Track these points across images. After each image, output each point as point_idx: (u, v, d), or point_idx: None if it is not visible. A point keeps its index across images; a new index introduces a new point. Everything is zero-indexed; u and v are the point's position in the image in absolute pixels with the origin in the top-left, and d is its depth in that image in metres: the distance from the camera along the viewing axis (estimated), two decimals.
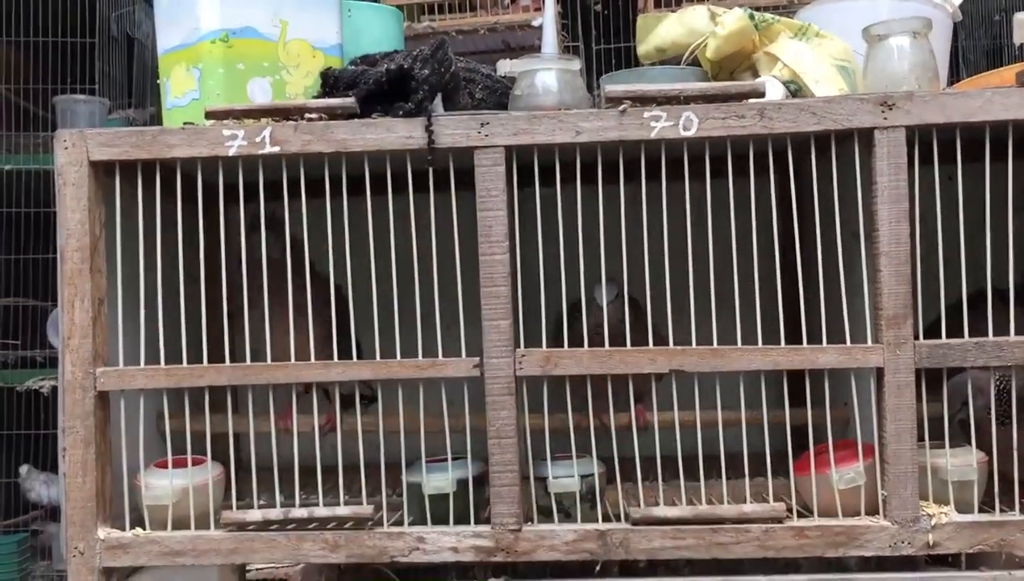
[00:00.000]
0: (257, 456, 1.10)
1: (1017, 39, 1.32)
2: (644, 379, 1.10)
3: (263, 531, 1.07)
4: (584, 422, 1.13)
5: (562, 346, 1.09)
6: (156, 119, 1.19)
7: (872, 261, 1.05)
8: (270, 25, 1.17)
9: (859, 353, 1.04)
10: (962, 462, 1.06)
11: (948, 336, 1.05)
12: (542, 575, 1.16)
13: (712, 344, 1.06)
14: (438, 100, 1.14)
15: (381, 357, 1.11)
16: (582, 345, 1.08)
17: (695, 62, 1.28)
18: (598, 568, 1.10)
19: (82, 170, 1.08)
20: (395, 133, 1.07)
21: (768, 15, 1.24)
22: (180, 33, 1.17)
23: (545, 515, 1.10)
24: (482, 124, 1.06)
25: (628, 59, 2.86)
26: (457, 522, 1.08)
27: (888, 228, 1.03)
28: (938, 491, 1.06)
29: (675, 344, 1.08)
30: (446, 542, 1.06)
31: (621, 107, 1.05)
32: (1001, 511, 1.06)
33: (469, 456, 1.13)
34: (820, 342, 1.08)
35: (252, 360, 1.18)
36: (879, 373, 1.04)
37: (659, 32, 1.29)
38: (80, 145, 1.08)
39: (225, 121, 1.09)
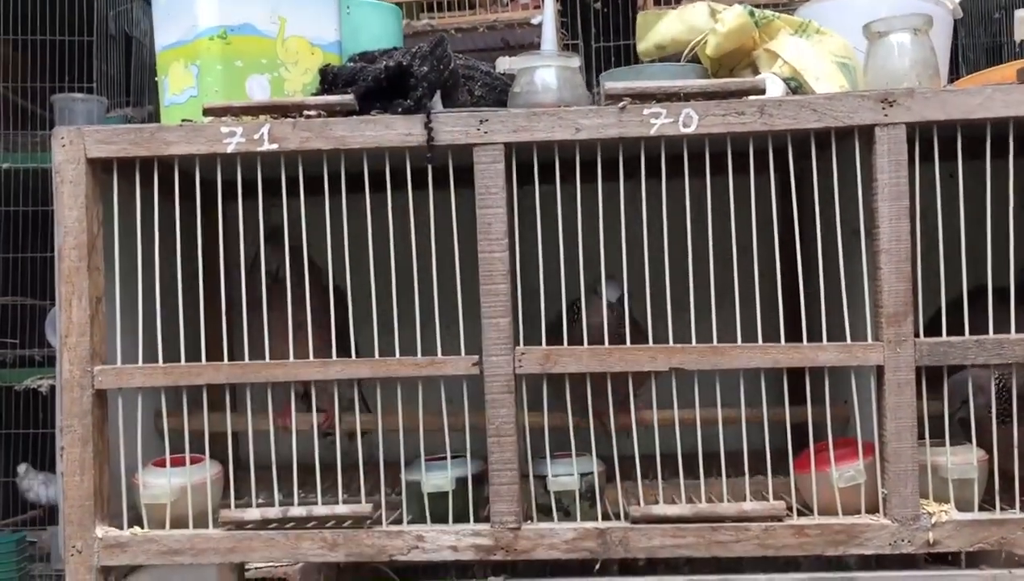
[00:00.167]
0: (255, 455, 1.10)
1: (1018, 36, 1.32)
2: (643, 377, 1.10)
3: (261, 530, 1.07)
4: (584, 421, 1.13)
5: (561, 343, 1.08)
6: (154, 117, 1.19)
7: (872, 258, 1.05)
8: (268, 22, 1.17)
9: (859, 351, 1.04)
10: (962, 460, 1.06)
11: (946, 332, 1.04)
12: (542, 574, 1.15)
13: (712, 342, 1.06)
14: (437, 97, 1.14)
15: (380, 355, 1.10)
16: (582, 344, 1.08)
17: (695, 59, 1.28)
18: (597, 566, 1.10)
19: (79, 167, 1.07)
20: (394, 130, 1.06)
21: (768, 12, 1.24)
22: (178, 30, 1.17)
23: (544, 513, 1.09)
24: (481, 121, 1.05)
25: (628, 57, 2.86)
26: (456, 521, 1.08)
27: (888, 225, 1.03)
28: (938, 489, 1.05)
29: (675, 342, 1.07)
30: (445, 541, 1.06)
31: (621, 104, 1.05)
32: (1002, 509, 1.05)
33: (468, 454, 1.13)
34: (820, 340, 1.07)
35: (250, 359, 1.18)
36: (879, 371, 1.04)
37: (659, 29, 1.29)
38: (77, 142, 1.08)
39: (223, 118, 1.08)
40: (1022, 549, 1.04)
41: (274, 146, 1.07)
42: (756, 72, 1.22)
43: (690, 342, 1.07)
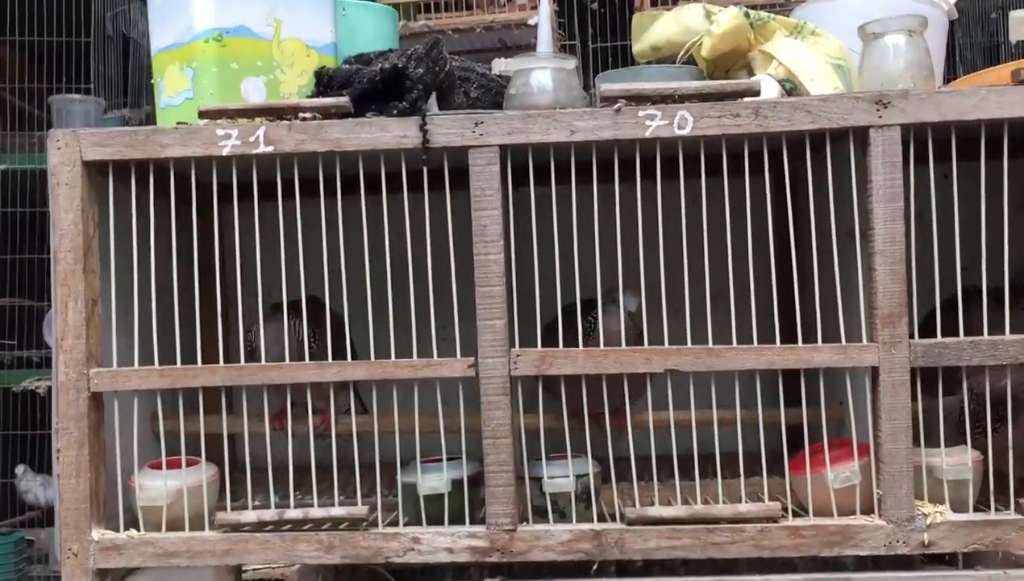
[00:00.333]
0: (252, 457, 1.10)
1: (1013, 36, 1.32)
2: (640, 388, 1.10)
3: (257, 532, 1.07)
4: (579, 423, 1.13)
5: (557, 345, 1.08)
6: (152, 118, 1.19)
7: (867, 260, 1.05)
8: (264, 24, 1.17)
9: (854, 352, 1.04)
10: (957, 461, 1.06)
11: (940, 333, 1.05)
12: (538, 575, 1.15)
13: (707, 343, 1.06)
14: (433, 99, 1.14)
15: (376, 357, 1.10)
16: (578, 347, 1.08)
17: (691, 60, 1.28)
18: (594, 568, 1.10)
19: (75, 170, 1.08)
20: (389, 132, 1.06)
21: (763, 13, 1.23)
22: (173, 32, 1.17)
23: (540, 515, 1.09)
24: (476, 123, 1.05)
25: (625, 57, 2.86)
26: (452, 522, 1.08)
27: (883, 227, 1.03)
28: (933, 490, 1.06)
29: (670, 343, 1.07)
30: (441, 543, 1.06)
31: (616, 106, 1.05)
32: (997, 510, 1.06)
33: (464, 456, 1.13)
34: (815, 341, 1.07)
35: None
36: (874, 372, 1.04)
37: (654, 30, 1.29)
38: (73, 145, 1.08)
39: (219, 121, 1.08)
40: (1017, 549, 1.04)
41: (269, 148, 1.07)
42: (751, 74, 1.22)
43: (685, 343, 1.07)
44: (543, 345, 1.11)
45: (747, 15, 1.22)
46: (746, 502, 1.07)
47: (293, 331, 1.16)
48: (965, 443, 1.08)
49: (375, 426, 1.10)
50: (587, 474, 1.11)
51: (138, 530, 1.09)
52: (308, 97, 1.17)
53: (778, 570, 1.09)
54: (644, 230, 1.07)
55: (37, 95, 3.10)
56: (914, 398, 1.04)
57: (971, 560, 1.10)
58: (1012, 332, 1.04)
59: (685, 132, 1.04)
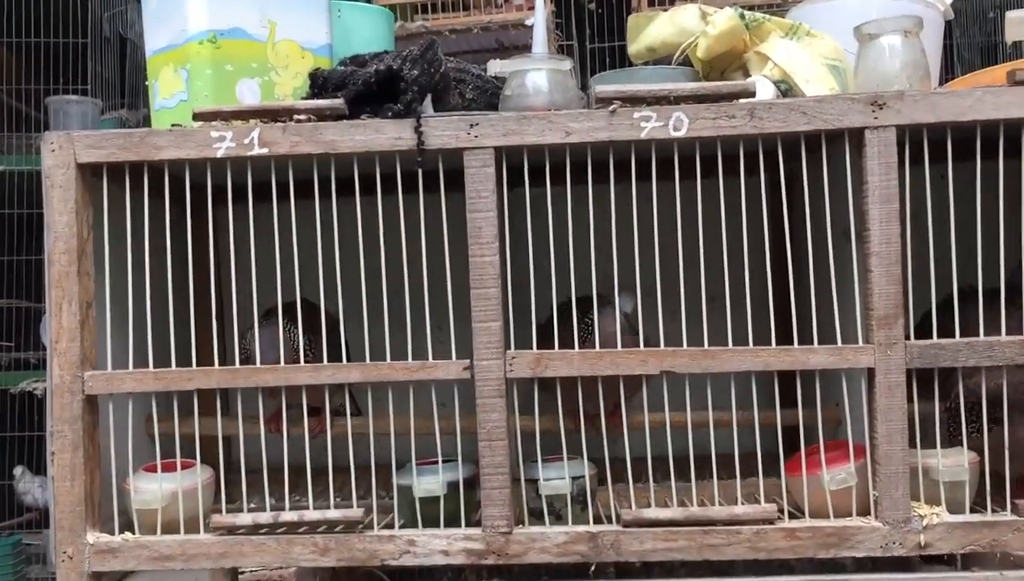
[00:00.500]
0: (247, 459, 1.10)
1: (1008, 37, 1.31)
2: (636, 386, 1.09)
3: (252, 535, 1.07)
4: (575, 424, 1.13)
5: (552, 346, 1.08)
6: (149, 120, 1.18)
7: (863, 261, 1.05)
8: (259, 26, 1.17)
9: (850, 353, 1.04)
10: (953, 462, 1.06)
11: (936, 334, 1.05)
12: (536, 577, 1.15)
13: (703, 345, 1.06)
14: (427, 101, 1.13)
15: (371, 359, 1.10)
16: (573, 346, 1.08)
17: (686, 61, 1.27)
18: (592, 569, 1.10)
19: (69, 172, 1.07)
20: (384, 134, 1.06)
21: (759, 14, 1.23)
22: (168, 34, 1.17)
23: (536, 517, 1.09)
24: (471, 125, 1.05)
25: (622, 58, 2.85)
26: (448, 525, 1.08)
27: (879, 228, 1.03)
28: (929, 491, 1.05)
29: (666, 345, 1.07)
30: (437, 545, 1.06)
31: (611, 107, 1.05)
32: (993, 511, 1.05)
33: (460, 458, 1.13)
34: (811, 342, 1.07)
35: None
36: (870, 373, 1.04)
37: (650, 32, 1.29)
38: (67, 147, 1.07)
39: (213, 123, 1.08)
40: (1014, 550, 1.04)
41: (264, 150, 1.06)
42: (747, 75, 1.22)
43: (681, 345, 1.07)
44: (539, 343, 1.11)
45: (742, 16, 1.21)
46: (742, 504, 1.07)
47: (288, 337, 1.15)
48: (961, 444, 1.08)
49: (371, 428, 1.10)
50: (583, 476, 1.11)
51: (133, 533, 1.09)
52: (303, 99, 1.17)
53: (775, 572, 1.09)
54: (640, 232, 1.07)
55: (34, 96, 3.09)
56: (910, 399, 1.04)
57: (969, 561, 1.10)
58: (1008, 333, 1.04)
59: (680, 133, 1.04)
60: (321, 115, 1.07)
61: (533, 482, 1.10)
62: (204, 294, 1.17)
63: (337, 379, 1.08)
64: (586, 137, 1.05)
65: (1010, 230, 1.04)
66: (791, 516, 1.08)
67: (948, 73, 2.81)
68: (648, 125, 1.04)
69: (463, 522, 1.09)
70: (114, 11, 3.13)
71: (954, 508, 1.05)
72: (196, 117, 1.08)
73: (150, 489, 1.09)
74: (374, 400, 1.11)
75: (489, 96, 1.25)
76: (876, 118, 1.03)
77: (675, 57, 1.27)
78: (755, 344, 1.07)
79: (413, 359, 1.08)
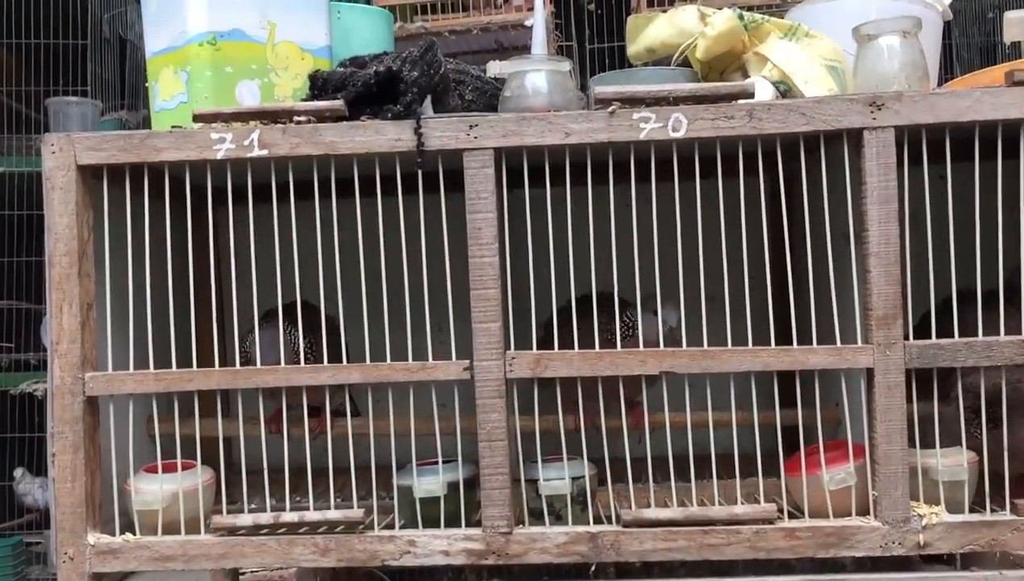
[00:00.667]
0: (247, 460, 1.10)
1: (1007, 37, 1.31)
2: (635, 385, 1.10)
3: (253, 535, 1.07)
4: (576, 424, 1.13)
5: (554, 346, 1.08)
6: (149, 121, 1.19)
7: (862, 261, 1.05)
8: (258, 27, 1.17)
9: (849, 354, 1.04)
10: (952, 462, 1.06)
11: (935, 335, 1.05)
12: (537, 577, 1.16)
13: (702, 345, 1.06)
14: (427, 102, 1.14)
15: (371, 360, 1.10)
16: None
17: (685, 62, 1.28)
18: (593, 569, 1.10)
19: (69, 174, 1.07)
20: (384, 135, 1.06)
21: (758, 15, 1.23)
22: (167, 36, 1.17)
23: (536, 517, 1.09)
24: (471, 126, 1.05)
25: (622, 58, 2.85)
26: (448, 525, 1.08)
27: (877, 228, 1.03)
28: (929, 491, 1.06)
29: (665, 345, 1.08)
30: (437, 545, 1.06)
31: (610, 108, 1.05)
32: (992, 511, 1.06)
33: (460, 459, 1.13)
34: (810, 343, 1.07)
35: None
36: (869, 373, 1.04)
37: (649, 32, 1.29)
38: (67, 149, 1.08)
39: (213, 124, 1.08)
40: (1013, 550, 1.04)
41: (264, 152, 1.07)
42: (746, 75, 1.22)
43: (680, 346, 1.07)
44: (559, 332, 1.10)
45: (741, 17, 1.22)
46: (742, 504, 1.07)
47: (289, 339, 1.15)
48: (960, 444, 1.08)
49: (371, 429, 1.10)
50: (583, 476, 1.11)
51: (134, 534, 1.09)
52: (303, 100, 1.17)
53: (775, 572, 1.09)
54: (639, 232, 1.07)
55: (34, 98, 3.10)
56: (909, 399, 1.04)
57: (968, 560, 1.10)
58: (1006, 333, 1.04)
59: (679, 134, 1.04)
60: (321, 116, 1.08)
61: (533, 482, 1.10)
62: (204, 295, 1.17)
63: (337, 380, 1.08)
64: (585, 138, 1.05)
65: (1009, 230, 1.04)
66: (791, 516, 1.08)
67: (947, 73, 2.81)
68: (647, 126, 1.04)
69: (463, 522, 1.09)
70: (114, 12, 3.14)
71: (953, 508, 1.05)
72: (196, 119, 1.09)
73: (151, 490, 1.09)
74: (374, 401, 1.11)
75: (488, 97, 1.26)
76: (875, 119, 1.03)
77: (674, 58, 1.27)
78: (754, 344, 1.07)
79: (413, 360, 1.08)
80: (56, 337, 1.07)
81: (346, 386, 1.14)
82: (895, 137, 1.03)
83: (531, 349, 1.08)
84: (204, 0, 1.15)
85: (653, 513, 1.05)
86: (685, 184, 1.06)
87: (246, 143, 1.07)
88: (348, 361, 1.27)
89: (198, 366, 1.10)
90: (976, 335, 1.04)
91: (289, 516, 1.07)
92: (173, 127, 1.12)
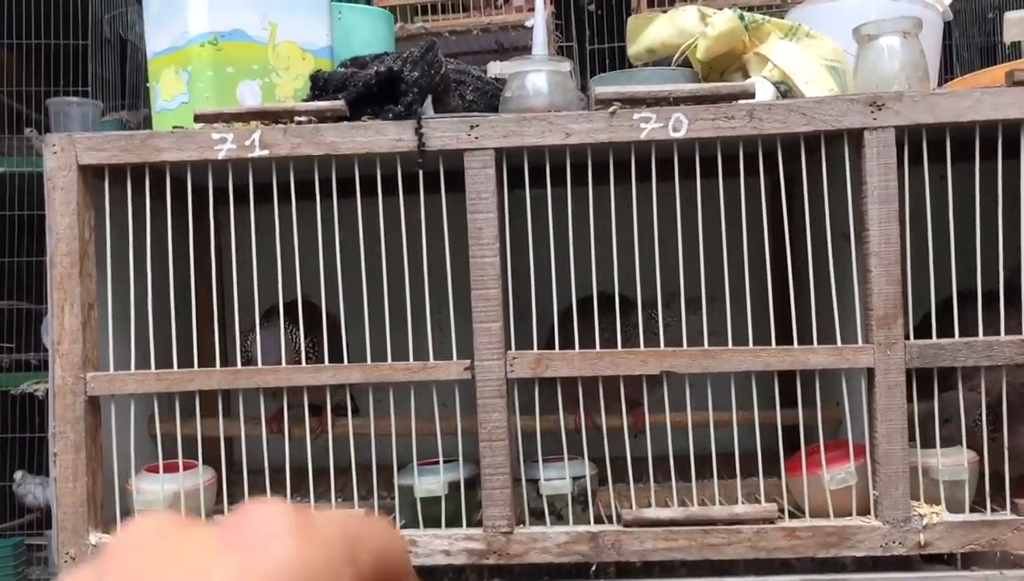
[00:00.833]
0: (249, 459, 1.10)
1: (1007, 37, 1.32)
2: (637, 386, 1.10)
3: None
4: (577, 424, 1.13)
5: (563, 344, 1.08)
6: (150, 121, 1.19)
7: (862, 261, 1.05)
8: (259, 28, 1.17)
9: (849, 353, 1.04)
10: (953, 462, 1.06)
11: (936, 335, 1.05)
12: (538, 576, 1.16)
13: (703, 345, 1.06)
14: (428, 102, 1.14)
15: (372, 360, 1.11)
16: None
17: (686, 63, 1.28)
18: (593, 569, 1.10)
19: (71, 174, 1.08)
20: (385, 136, 1.06)
21: (758, 16, 1.24)
22: (168, 36, 1.17)
23: (537, 517, 1.09)
24: (472, 126, 1.06)
25: (622, 59, 2.86)
26: (449, 525, 1.08)
27: (878, 228, 1.03)
28: (929, 491, 1.06)
29: (665, 345, 1.08)
30: (438, 545, 1.06)
31: (611, 109, 1.05)
32: (993, 511, 1.06)
33: (461, 459, 1.13)
34: (811, 342, 1.08)
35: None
36: (870, 373, 1.04)
37: (649, 33, 1.29)
38: (69, 149, 1.08)
39: (215, 124, 1.09)
40: (1014, 549, 1.04)
41: (265, 152, 1.07)
42: (746, 76, 1.22)
43: (681, 346, 1.07)
44: (576, 335, 1.10)
45: (742, 17, 1.22)
46: (743, 503, 1.07)
47: (290, 339, 1.16)
48: (961, 443, 1.08)
49: (372, 429, 1.10)
50: (584, 476, 1.11)
51: None
52: (304, 100, 1.17)
53: (776, 571, 1.09)
54: (640, 232, 1.07)
55: (34, 98, 3.10)
56: (909, 399, 1.04)
57: (969, 560, 1.10)
58: (1007, 333, 1.04)
59: (680, 134, 1.04)
60: (322, 117, 1.08)
61: (534, 482, 1.11)
62: (206, 295, 1.17)
63: (338, 380, 1.08)
64: (586, 138, 1.05)
65: (1009, 230, 1.04)
66: (791, 515, 1.08)
67: (947, 73, 2.81)
68: (648, 126, 1.04)
69: (464, 522, 1.09)
70: (115, 13, 3.14)
71: (954, 507, 1.05)
72: (197, 119, 1.09)
73: (152, 490, 1.10)
74: (375, 400, 1.11)
75: (489, 97, 1.26)
76: (875, 119, 1.03)
77: (675, 58, 1.27)
78: (755, 344, 1.07)
79: (414, 360, 1.08)
80: (57, 337, 1.07)
81: (347, 385, 1.14)
82: (895, 137, 1.03)
83: (532, 349, 1.08)
84: (205, 1, 1.15)
85: (654, 513, 1.05)
86: (686, 184, 1.06)
87: (247, 143, 1.07)
88: (349, 361, 1.27)
89: (199, 366, 1.10)
90: (976, 335, 1.04)
91: None
92: (174, 127, 1.12)
